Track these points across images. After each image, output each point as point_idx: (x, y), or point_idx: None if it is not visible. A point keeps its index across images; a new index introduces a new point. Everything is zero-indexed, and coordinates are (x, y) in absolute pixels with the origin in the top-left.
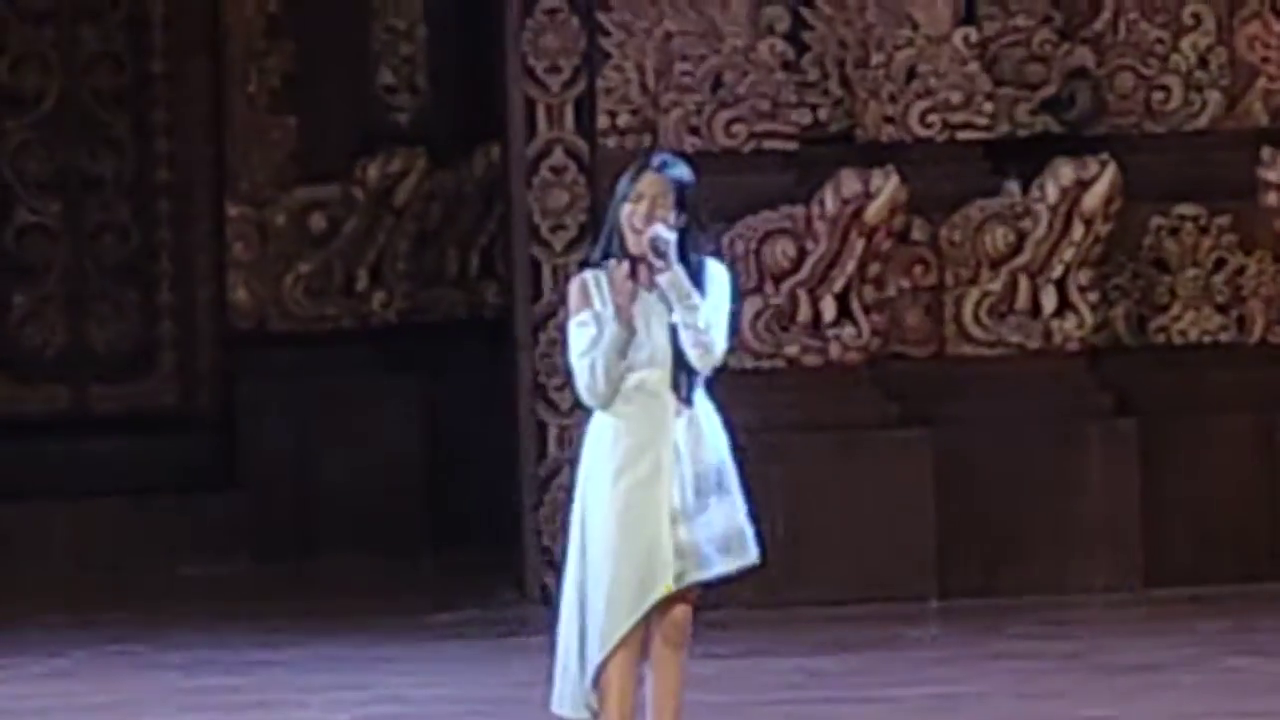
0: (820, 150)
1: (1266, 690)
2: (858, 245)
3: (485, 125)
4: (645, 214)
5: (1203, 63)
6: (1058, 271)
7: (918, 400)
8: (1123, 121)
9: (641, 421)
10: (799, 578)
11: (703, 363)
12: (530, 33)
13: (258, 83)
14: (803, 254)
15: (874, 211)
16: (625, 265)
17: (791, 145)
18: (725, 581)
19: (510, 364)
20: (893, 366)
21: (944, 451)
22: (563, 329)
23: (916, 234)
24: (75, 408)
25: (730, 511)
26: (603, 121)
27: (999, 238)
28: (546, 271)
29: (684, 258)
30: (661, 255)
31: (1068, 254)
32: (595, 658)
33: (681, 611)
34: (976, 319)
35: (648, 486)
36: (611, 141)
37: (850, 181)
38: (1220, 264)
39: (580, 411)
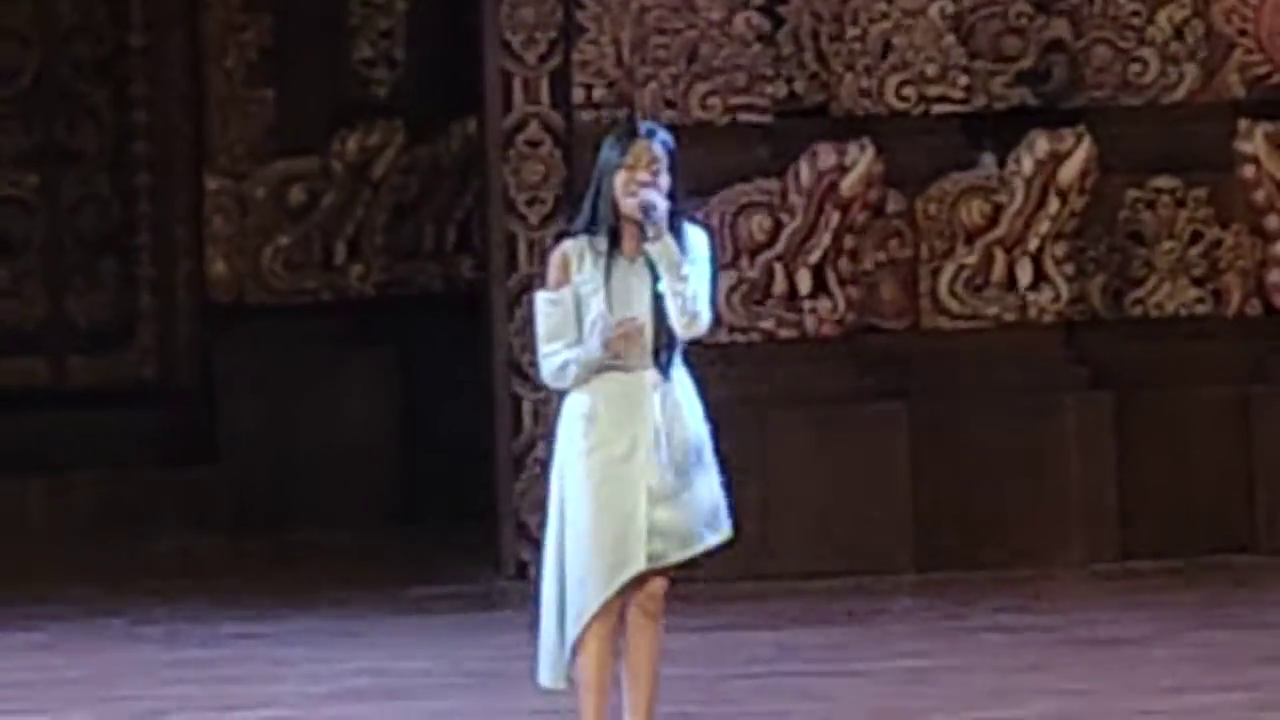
0: (796, 123)
1: (1242, 663)
2: (833, 218)
3: (462, 99)
4: (640, 180)
5: (1179, 35)
6: (1033, 244)
7: (893, 373)
8: (1099, 94)
9: (618, 398)
10: (774, 551)
11: (689, 330)
12: (507, 6)
13: (236, 56)
14: (778, 227)
15: (849, 184)
16: (638, 322)
17: (767, 118)
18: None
19: (486, 337)
20: (868, 339)
21: (920, 424)
22: (532, 298)
23: (892, 207)
24: (54, 380)
25: (708, 485)
26: (578, 95)
27: (975, 210)
28: (522, 245)
29: (671, 224)
30: (655, 222)
31: (1043, 227)
32: (573, 630)
33: (658, 584)
34: (952, 292)
35: (624, 463)
36: (587, 115)
37: (826, 154)
38: (1196, 237)
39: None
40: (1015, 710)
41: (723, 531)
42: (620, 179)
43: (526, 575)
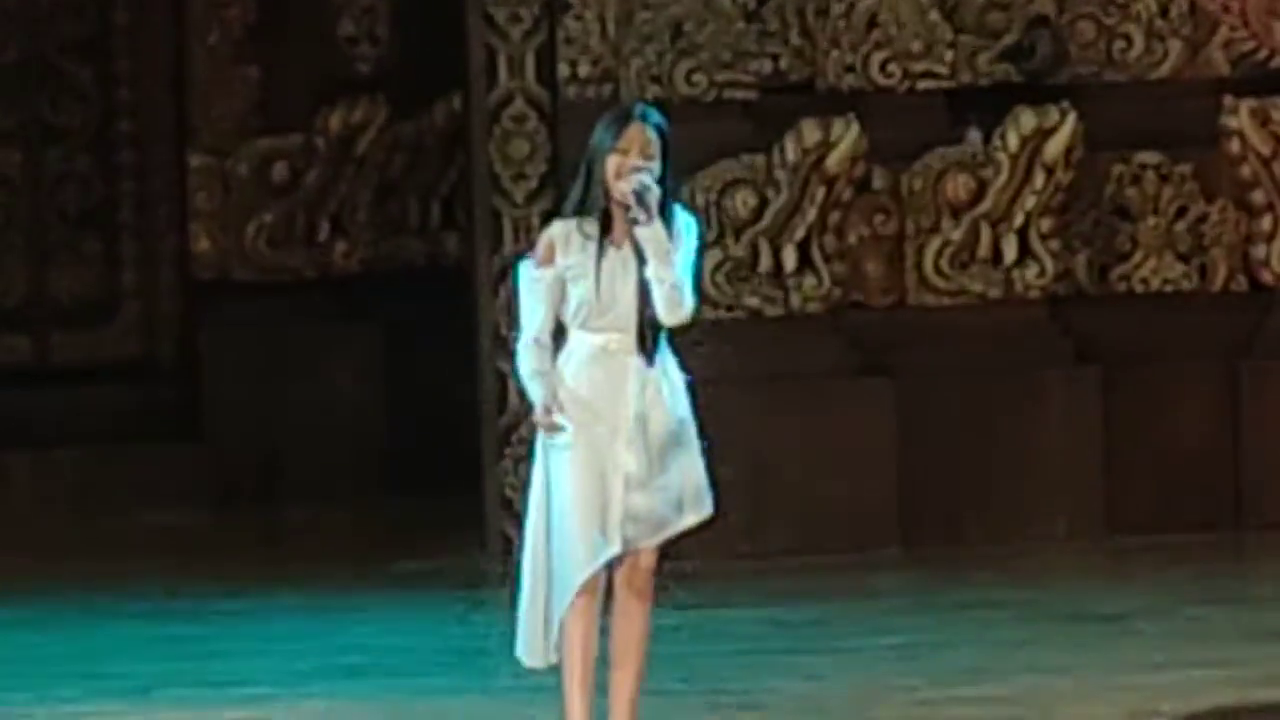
0: (781, 99)
1: (1228, 639)
2: (818, 194)
3: (447, 75)
4: (633, 165)
5: (1164, 11)
6: (1019, 220)
7: (879, 349)
8: (1084, 70)
9: (601, 383)
10: (761, 528)
11: (673, 317)
12: None
13: (220, 33)
14: (763, 203)
15: (835, 160)
16: (547, 413)
17: (752, 94)
18: (683, 534)
19: (471, 314)
20: (854, 316)
21: (905, 401)
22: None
23: (877, 183)
24: (37, 358)
25: (688, 467)
26: (564, 71)
27: (960, 186)
28: (507, 222)
29: (662, 209)
30: (646, 207)
31: (1029, 202)
32: (558, 609)
33: (645, 561)
34: (938, 268)
35: (605, 447)
36: (572, 91)
37: (811, 131)
38: (1182, 212)
39: None
40: (1001, 686)
41: (701, 512)
42: (612, 163)
43: (512, 551)
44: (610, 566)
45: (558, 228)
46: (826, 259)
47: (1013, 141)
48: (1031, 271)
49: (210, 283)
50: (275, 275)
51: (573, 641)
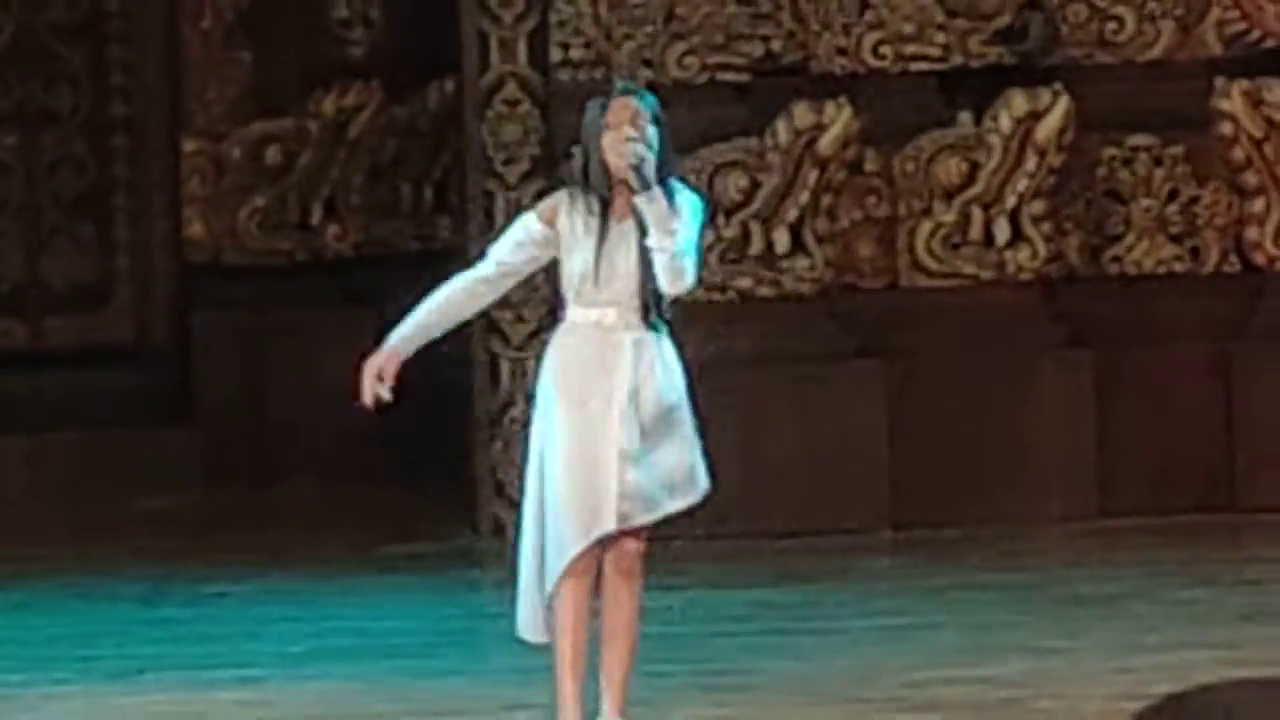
0: (773, 82)
1: (1222, 621)
2: (811, 177)
3: (439, 58)
4: (626, 136)
5: None
6: (1011, 202)
7: (871, 332)
8: (1076, 52)
9: (594, 359)
10: (752, 509)
11: (675, 287)
12: None
13: (213, 17)
14: (755, 186)
15: (827, 143)
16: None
17: (744, 77)
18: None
19: None
20: (846, 298)
21: (897, 383)
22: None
23: (869, 165)
24: (31, 342)
25: (679, 449)
26: (556, 54)
27: (952, 169)
28: (500, 204)
29: (661, 181)
30: (641, 175)
31: (1021, 185)
32: (550, 584)
33: (634, 542)
34: (930, 250)
35: (599, 422)
36: (565, 74)
37: (803, 113)
38: (1174, 194)
39: (533, 344)
40: (993, 668)
41: (694, 494)
42: (607, 139)
43: (504, 534)
44: (602, 547)
45: (565, 194)
46: (819, 241)
47: (1005, 123)
48: (1023, 254)
49: (203, 266)
50: (268, 259)
51: (564, 624)
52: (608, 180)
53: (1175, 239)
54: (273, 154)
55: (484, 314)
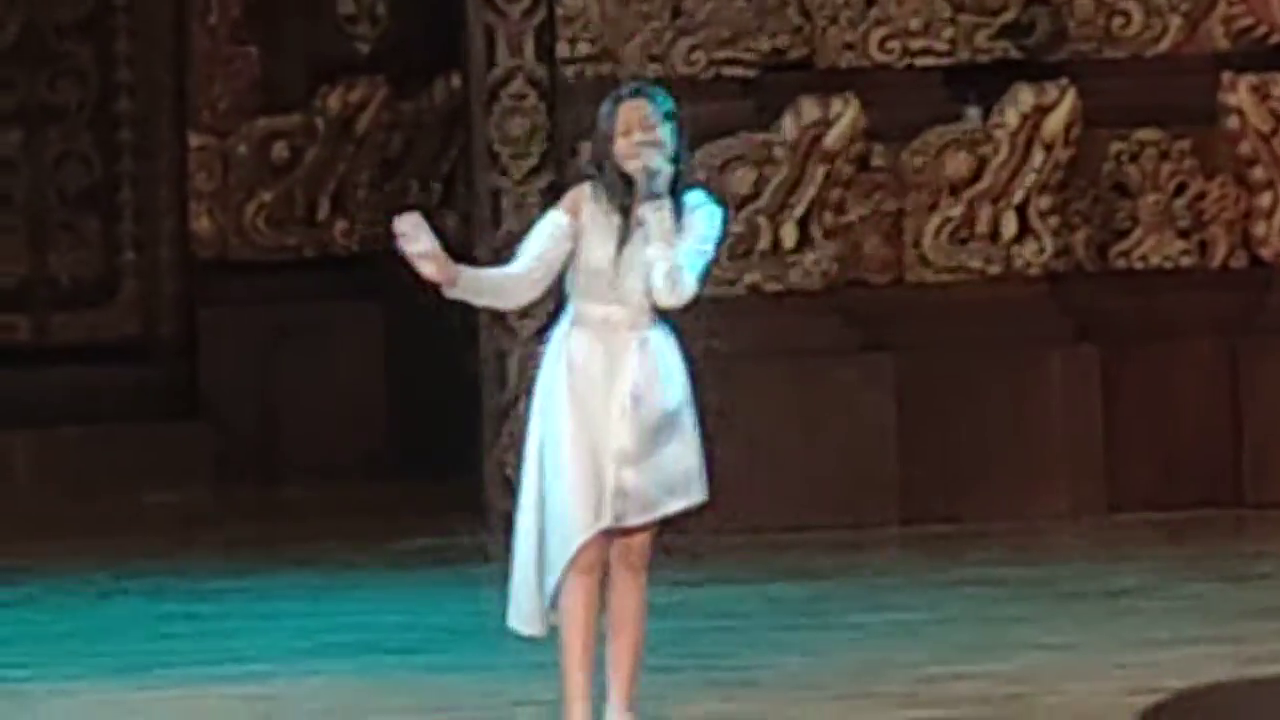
0: (780, 77)
1: (1229, 616)
2: (818, 172)
3: (446, 54)
4: (638, 141)
5: None
6: (1018, 197)
7: (879, 326)
8: (1083, 47)
9: (599, 355)
10: (760, 504)
11: (668, 299)
12: None
13: (219, 13)
14: (763, 181)
15: (834, 138)
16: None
17: (751, 72)
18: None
19: None
20: (854, 293)
21: (905, 378)
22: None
23: (877, 160)
24: (37, 337)
25: (681, 452)
26: (563, 49)
27: (959, 163)
28: (507, 200)
29: (673, 188)
30: (653, 184)
31: (1028, 179)
32: (552, 578)
33: (641, 537)
34: (937, 245)
35: (600, 419)
36: (571, 70)
37: (810, 108)
38: (1181, 189)
39: (540, 340)
40: (1001, 663)
41: (693, 497)
42: (619, 146)
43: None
44: (608, 542)
45: (589, 189)
46: (826, 236)
47: (1012, 118)
48: (1031, 248)
49: (210, 262)
50: (275, 254)
51: (573, 620)
52: (625, 188)
53: (1183, 234)
54: (279, 149)
55: (491, 311)
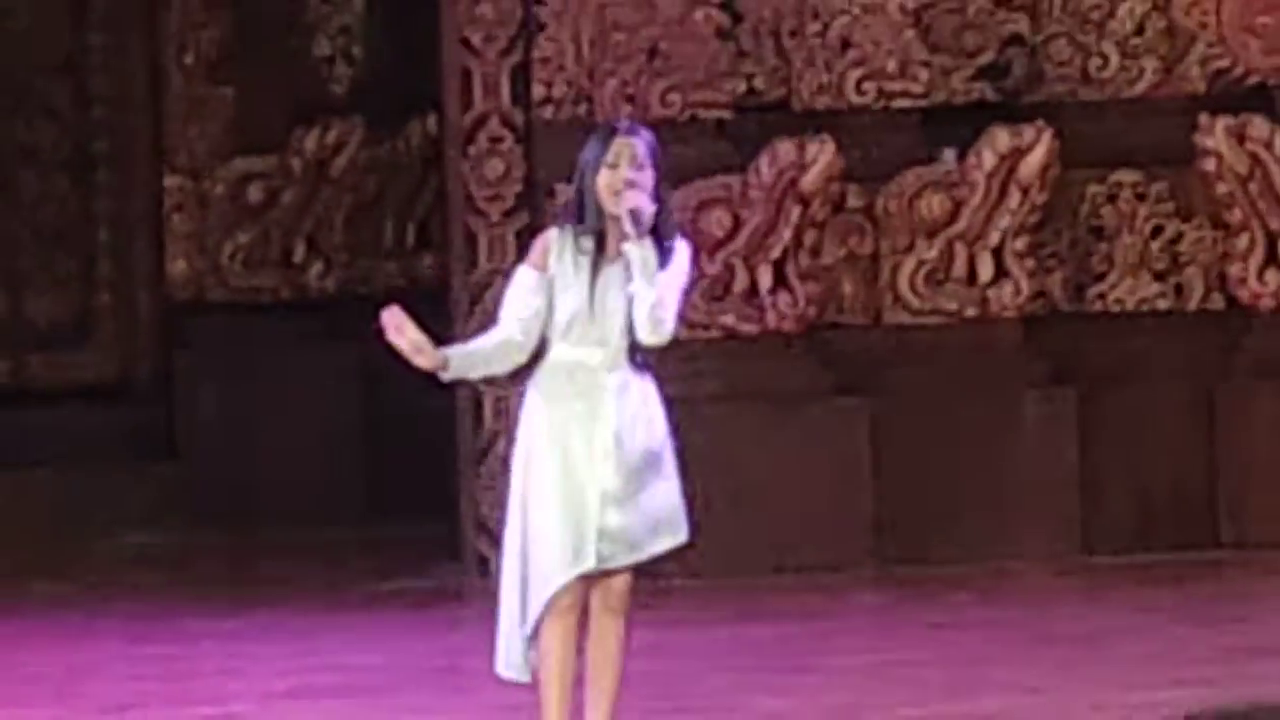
0: (756, 119)
1: (1207, 659)
2: (794, 214)
3: (422, 95)
4: (625, 179)
5: (1139, 29)
6: (994, 239)
7: (854, 369)
8: (1060, 89)
9: (576, 399)
10: (736, 546)
11: (652, 337)
12: (466, 2)
13: (195, 54)
14: (738, 223)
15: (810, 180)
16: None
17: (727, 114)
18: (656, 559)
19: (447, 334)
20: (829, 335)
21: (881, 420)
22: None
23: (852, 202)
24: (13, 379)
25: (664, 492)
26: (539, 91)
27: (935, 205)
28: (483, 241)
29: (656, 227)
30: (638, 224)
31: (1004, 221)
32: (532, 620)
33: (621, 580)
34: (913, 287)
35: (582, 461)
36: (548, 111)
37: (786, 150)
38: (1157, 231)
39: (516, 382)
40: (975, 705)
41: (677, 537)
42: (603, 178)
43: (488, 571)
44: (587, 586)
45: (554, 234)
46: (802, 278)
47: (988, 160)
48: (1007, 291)
49: (186, 304)
50: (251, 296)
51: (551, 663)
52: (601, 217)
53: (1159, 276)
54: (255, 191)
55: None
